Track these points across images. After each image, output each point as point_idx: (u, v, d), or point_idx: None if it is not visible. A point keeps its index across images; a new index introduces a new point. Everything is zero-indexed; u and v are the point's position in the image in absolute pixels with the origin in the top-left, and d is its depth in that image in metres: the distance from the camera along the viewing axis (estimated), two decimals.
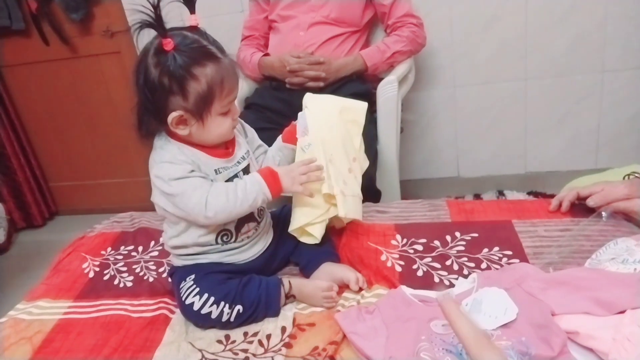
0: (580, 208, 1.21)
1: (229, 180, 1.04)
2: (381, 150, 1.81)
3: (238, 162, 1.06)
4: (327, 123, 1.18)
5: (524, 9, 2.10)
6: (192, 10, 0.97)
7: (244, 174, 1.07)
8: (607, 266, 0.94)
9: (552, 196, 2.20)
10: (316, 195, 1.11)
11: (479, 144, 2.38)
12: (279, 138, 1.19)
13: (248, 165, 1.09)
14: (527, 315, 0.87)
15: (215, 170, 1.02)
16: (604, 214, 1.14)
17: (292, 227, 1.12)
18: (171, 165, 0.97)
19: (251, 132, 1.17)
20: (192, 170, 0.98)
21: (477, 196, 2.39)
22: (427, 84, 2.29)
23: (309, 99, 1.23)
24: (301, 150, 1.14)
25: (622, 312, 0.82)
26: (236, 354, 0.93)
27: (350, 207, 1.16)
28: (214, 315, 0.98)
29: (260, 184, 1.00)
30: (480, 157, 2.41)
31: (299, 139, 1.15)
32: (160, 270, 1.21)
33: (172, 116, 0.95)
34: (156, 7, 0.90)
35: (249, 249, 1.09)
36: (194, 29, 0.96)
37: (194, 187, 0.96)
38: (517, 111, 2.28)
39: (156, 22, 0.90)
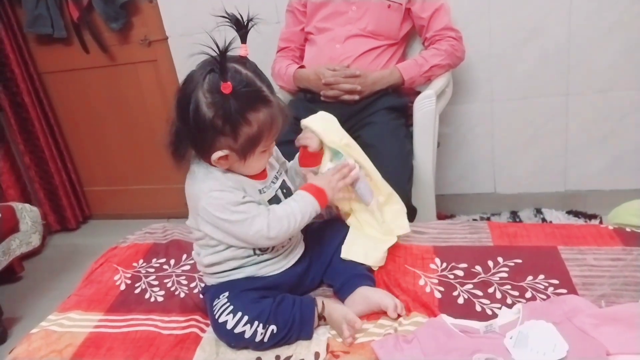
0: (633, 235, 1.14)
1: (272, 199, 1.05)
2: (417, 166, 1.77)
3: (273, 182, 1.08)
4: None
5: (567, 21, 2.03)
6: (243, 40, 0.96)
7: (282, 191, 1.08)
8: None
9: (594, 216, 2.17)
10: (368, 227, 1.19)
11: (516, 160, 2.31)
12: (297, 162, 1.19)
13: (284, 180, 1.11)
14: (579, 354, 0.81)
15: (259, 191, 1.04)
16: None
17: (347, 257, 1.13)
18: (223, 192, 0.97)
19: (276, 150, 1.17)
20: (244, 196, 0.99)
21: (514, 213, 2.31)
22: (464, 98, 2.23)
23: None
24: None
25: None
26: None
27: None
28: (247, 335, 0.95)
29: (312, 204, 1.03)
30: (517, 174, 2.33)
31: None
32: (192, 285, 1.19)
33: (218, 155, 0.95)
34: (224, 54, 0.89)
35: (283, 259, 1.08)
36: (243, 59, 0.95)
37: (253, 215, 0.98)
38: (557, 127, 2.20)
39: (220, 67, 0.89)
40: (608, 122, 2.15)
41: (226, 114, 0.90)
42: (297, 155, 1.20)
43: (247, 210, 0.98)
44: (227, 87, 0.89)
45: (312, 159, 1.16)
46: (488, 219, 2.29)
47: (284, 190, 1.09)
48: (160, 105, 2.55)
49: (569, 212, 2.25)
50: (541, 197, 2.32)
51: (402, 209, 1.27)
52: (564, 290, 1.01)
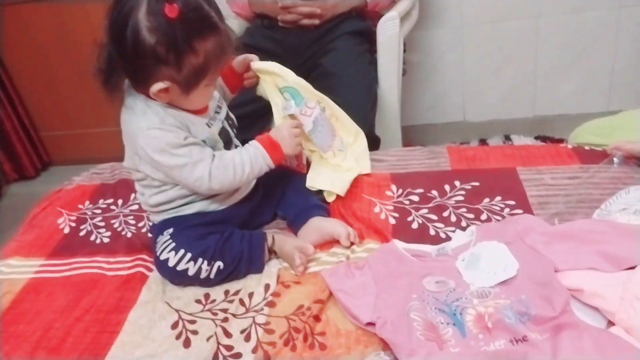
0: (591, 153, 1.12)
1: (221, 132, 0.98)
2: (381, 94, 1.71)
3: (216, 112, 1.00)
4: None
5: None
6: None
7: (228, 122, 1.02)
8: (618, 217, 0.86)
9: (561, 140, 2.15)
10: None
11: (486, 87, 2.26)
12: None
13: (227, 111, 1.03)
14: (529, 272, 0.80)
15: (207, 124, 0.96)
16: (615, 160, 1.05)
17: (313, 186, 1.09)
18: (162, 132, 0.89)
19: None
20: (186, 137, 0.90)
21: (483, 141, 2.28)
22: (432, 22, 2.14)
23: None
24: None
25: (632, 268, 0.75)
26: (215, 314, 0.87)
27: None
28: (191, 272, 0.91)
29: (265, 158, 0.96)
30: (487, 101, 2.29)
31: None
32: (140, 224, 1.14)
33: (159, 87, 0.86)
34: None
35: (235, 192, 1.02)
36: None
37: (194, 160, 0.90)
38: (527, 51, 2.14)
39: None
40: (578, 45, 2.10)
41: (171, 41, 0.81)
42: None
43: (189, 154, 0.90)
44: (172, 10, 0.79)
45: (235, 80, 1.07)
46: None
47: (229, 122, 1.03)
48: None
49: (537, 138, 2.23)
50: (510, 123, 2.29)
51: (366, 149, 1.24)
52: (519, 211, 0.98)
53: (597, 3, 1.99)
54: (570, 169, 1.08)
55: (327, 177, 1.11)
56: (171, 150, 0.88)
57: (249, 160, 0.94)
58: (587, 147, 1.14)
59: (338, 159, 1.16)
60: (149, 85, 0.86)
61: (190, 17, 0.81)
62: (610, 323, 0.71)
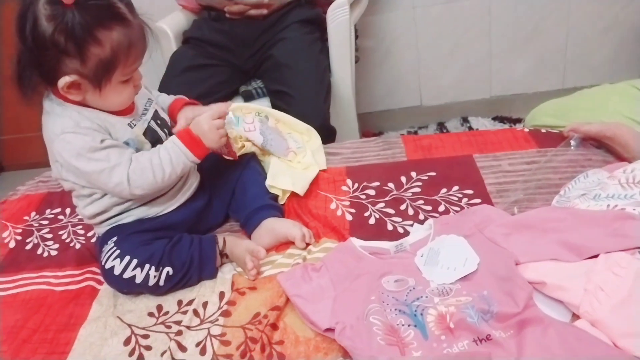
0: (548, 136, 1.11)
1: (147, 132, 0.94)
2: (335, 82, 1.67)
3: (143, 114, 0.95)
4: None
5: None
6: None
7: (156, 122, 0.97)
8: (577, 203, 0.85)
9: (518, 120, 2.17)
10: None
11: (442, 70, 2.24)
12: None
13: (156, 110, 0.99)
14: (489, 266, 0.78)
15: (129, 124, 0.91)
16: (572, 142, 1.05)
17: (273, 185, 1.06)
18: (76, 136, 0.84)
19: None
20: (103, 140, 0.86)
21: (441, 125, 2.29)
22: (384, 6, 2.10)
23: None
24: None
25: (595, 256, 0.73)
26: (169, 327, 0.83)
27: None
28: (138, 280, 0.87)
29: (186, 154, 0.91)
30: (443, 84, 2.28)
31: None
32: (89, 234, 1.08)
33: (65, 81, 0.82)
34: None
35: (176, 194, 0.98)
36: None
37: (112, 165, 0.86)
38: (481, 31, 2.14)
39: None
40: (531, 22, 2.10)
41: (69, 28, 0.77)
42: (170, 104, 1.06)
43: (106, 158, 0.85)
44: None
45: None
46: (415, 132, 2.26)
47: (158, 122, 0.98)
48: None
49: (494, 119, 2.24)
50: (467, 105, 2.30)
51: (321, 145, 1.21)
52: (478, 200, 0.97)
53: None
54: (528, 153, 1.07)
55: (288, 176, 1.08)
56: (87, 154, 0.85)
57: (169, 159, 0.89)
58: (543, 130, 1.14)
59: (300, 156, 1.14)
60: (56, 80, 0.82)
61: (90, 5, 0.78)
62: (575, 316, 0.70)
